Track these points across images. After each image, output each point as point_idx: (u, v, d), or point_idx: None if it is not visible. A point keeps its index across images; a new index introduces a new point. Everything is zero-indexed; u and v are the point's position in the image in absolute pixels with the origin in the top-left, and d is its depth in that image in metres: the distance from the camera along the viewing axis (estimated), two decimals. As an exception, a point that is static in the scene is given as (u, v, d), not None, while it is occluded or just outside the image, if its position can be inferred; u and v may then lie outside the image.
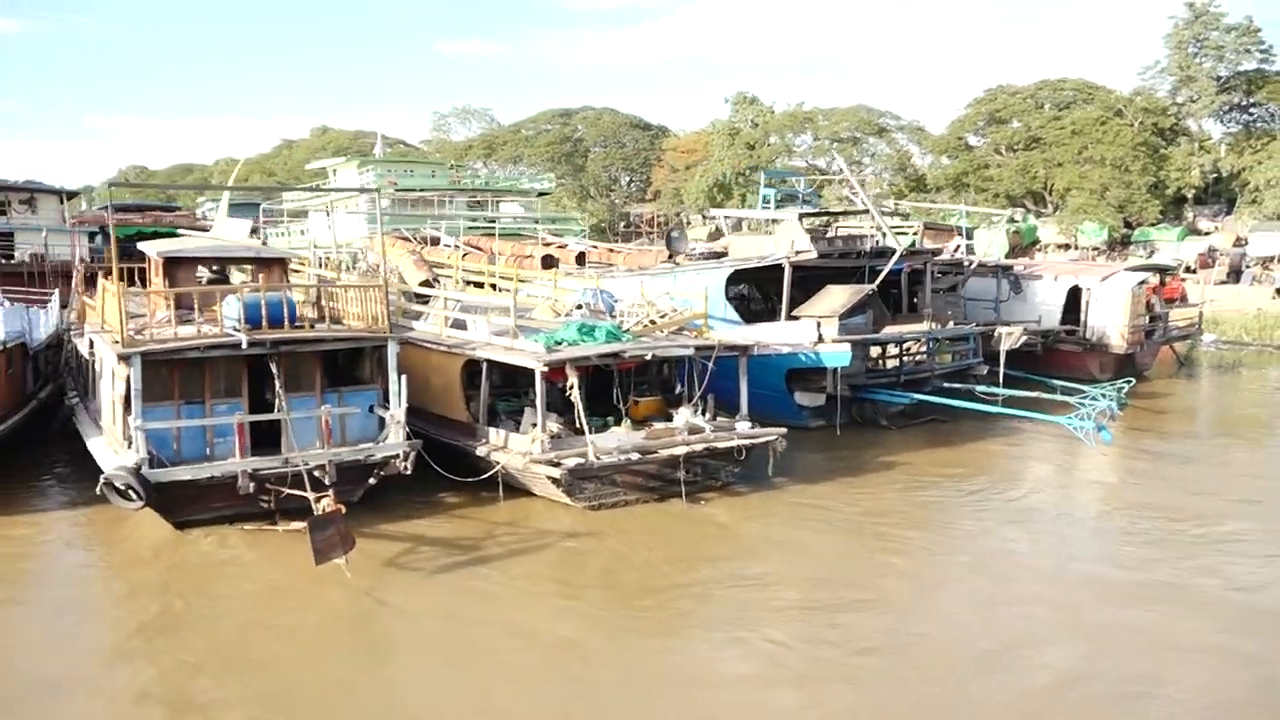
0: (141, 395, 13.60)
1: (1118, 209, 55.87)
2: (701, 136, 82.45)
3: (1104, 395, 18.95)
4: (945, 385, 22.24)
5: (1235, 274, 48.75)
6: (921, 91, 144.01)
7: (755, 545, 14.59)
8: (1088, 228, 55.96)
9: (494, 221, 39.95)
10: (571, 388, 15.43)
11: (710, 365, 16.91)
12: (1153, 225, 56.29)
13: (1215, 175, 58.53)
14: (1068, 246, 56.46)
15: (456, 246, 32.04)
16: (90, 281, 20.07)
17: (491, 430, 16.40)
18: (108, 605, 12.48)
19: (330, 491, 12.88)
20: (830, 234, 25.01)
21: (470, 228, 37.36)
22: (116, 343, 14.04)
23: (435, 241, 33.54)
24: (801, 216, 22.72)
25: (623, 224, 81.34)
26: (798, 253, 21.28)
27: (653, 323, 18.06)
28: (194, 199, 64.27)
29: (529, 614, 11.76)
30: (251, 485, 13.88)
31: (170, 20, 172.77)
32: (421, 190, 41.99)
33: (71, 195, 45.19)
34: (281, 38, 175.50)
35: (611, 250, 33.00)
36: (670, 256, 26.91)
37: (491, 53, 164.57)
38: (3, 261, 26.65)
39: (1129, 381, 20.55)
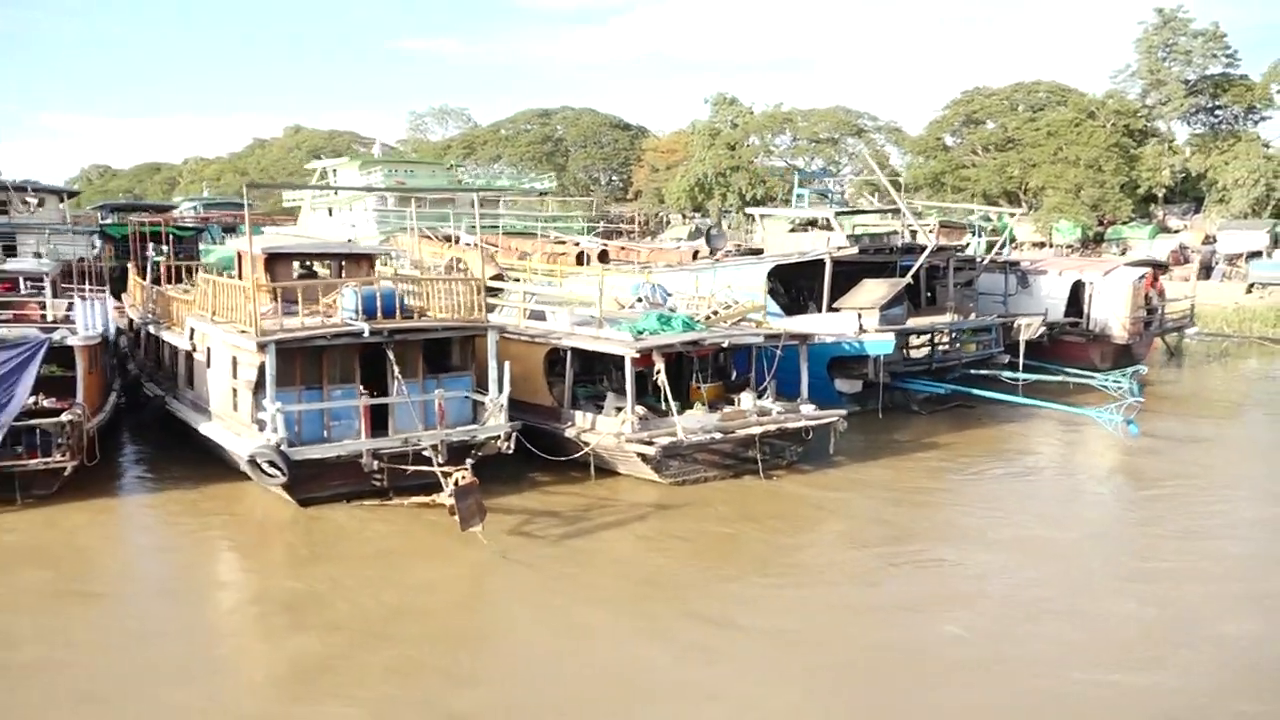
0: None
1: (1092, 208, 58.04)
2: (681, 137, 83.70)
3: (1126, 384, 20.52)
4: (971, 373, 23.77)
5: (1206, 270, 50.93)
6: (897, 93, 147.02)
7: (847, 516, 15.96)
8: (1062, 226, 58.07)
9: (499, 219, 41.03)
10: (658, 373, 16.63)
11: (779, 353, 18.21)
12: (1125, 223, 58.53)
13: (1184, 175, 60.85)
14: (1043, 245, 58.50)
15: (477, 244, 32.96)
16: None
17: (577, 414, 17.56)
18: (290, 571, 13.53)
19: (468, 464, 13.97)
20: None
21: (483, 226, 38.28)
22: (244, 333, 15.06)
23: (452, 240, 34.41)
24: (838, 214, 24.12)
25: (603, 223, 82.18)
26: (838, 249, 22.68)
27: (714, 314, 19.36)
28: (171, 197, 64.51)
29: (651, 571, 13.08)
30: (374, 463, 14.98)
31: (132, 19, 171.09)
32: (433, 190, 42.92)
33: (72, 194, 45.50)
34: (245, 36, 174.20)
35: (623, 249, 34.15)
36: (696, 255, 28.29)
37: (460, 51, 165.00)
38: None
39: (1137, 370, 22.17)
